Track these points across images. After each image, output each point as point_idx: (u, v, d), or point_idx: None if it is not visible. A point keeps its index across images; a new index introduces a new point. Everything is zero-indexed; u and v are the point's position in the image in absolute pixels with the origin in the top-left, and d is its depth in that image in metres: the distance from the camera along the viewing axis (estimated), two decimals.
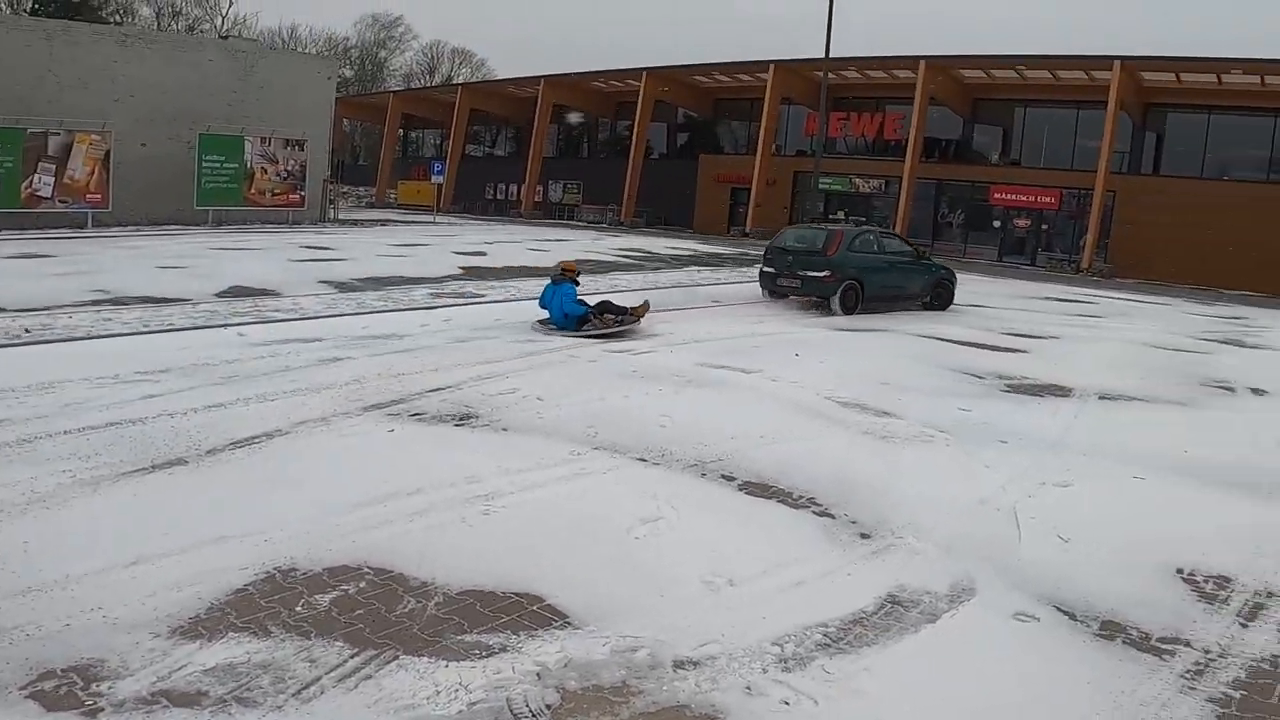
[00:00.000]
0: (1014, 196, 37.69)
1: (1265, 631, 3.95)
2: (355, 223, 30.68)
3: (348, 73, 64.09)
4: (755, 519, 5.00)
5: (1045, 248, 37.06)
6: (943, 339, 12.00)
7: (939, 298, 16.14)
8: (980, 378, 9.45)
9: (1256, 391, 10.01)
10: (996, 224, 38.56)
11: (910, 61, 37.33)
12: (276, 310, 11.56)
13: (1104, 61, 33.58)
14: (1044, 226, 37.55)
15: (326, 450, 5.70)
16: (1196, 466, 6.42)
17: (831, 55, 26.33)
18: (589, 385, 7.72)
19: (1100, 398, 8.85)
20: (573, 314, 10.87)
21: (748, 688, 3.28)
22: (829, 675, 3.39)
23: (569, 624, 3.70)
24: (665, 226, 43.53)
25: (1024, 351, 11.52)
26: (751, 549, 4.52)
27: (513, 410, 6.86)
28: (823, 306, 14.48)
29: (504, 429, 6.41)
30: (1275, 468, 6.59)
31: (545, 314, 11.13)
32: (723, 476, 5.65)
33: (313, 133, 28.52)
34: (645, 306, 11.68)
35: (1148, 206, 33.49)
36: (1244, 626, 3.99)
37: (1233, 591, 4.36)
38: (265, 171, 27.22)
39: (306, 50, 61.94)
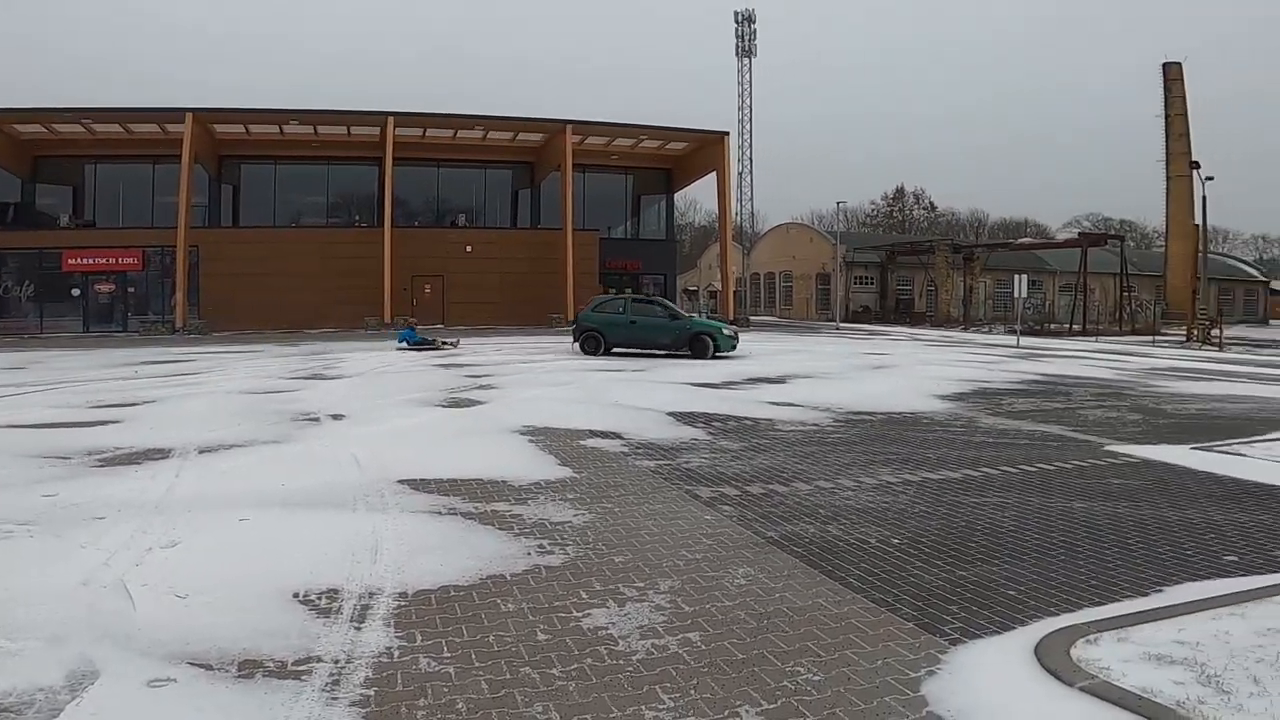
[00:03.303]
0: (92, 261, 35.25)
1: (376, 629, 4.37)
2: None
3: None
4: None
5: (137, 311, 35.60)
6: (12, 425, 10.55)
7: (697, 348, 21.26)
8: (67, 458, 8.52)
9: (336, 418, 11.36)
10: (76, 292, 35.47)
11: None
12: None
13: (177, 115, 33.80)
14: (130, 289, 35.98)
15: None
16: (294, 496, 6.95)
17: None
18: None
19: (201, 452, 8.87)
20: (415, 340, 24.14)
21: None
22: None
23: None
24: None
25: (117, 422, 10.93)
26: None
27: None
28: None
29: None
30: (353, 482, 7.47)
31: (404, 344, 24.07)
32: None
33: None
34: (458, 342, 25.38)
35: (232, 258, 35.05)
36: (359, 629, 4.35)
37: (343, 600, 4.73)
38: None
39: None
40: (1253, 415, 12.62)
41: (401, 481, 7.48)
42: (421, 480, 7.56)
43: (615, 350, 22.07)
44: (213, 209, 38.36)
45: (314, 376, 16.56)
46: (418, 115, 36.96)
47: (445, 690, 3.74)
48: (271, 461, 8.43)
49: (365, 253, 35.67)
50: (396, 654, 4.09)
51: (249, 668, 3.90)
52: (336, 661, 3.99)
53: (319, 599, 4.75)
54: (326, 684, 3.77)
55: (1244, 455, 9.15)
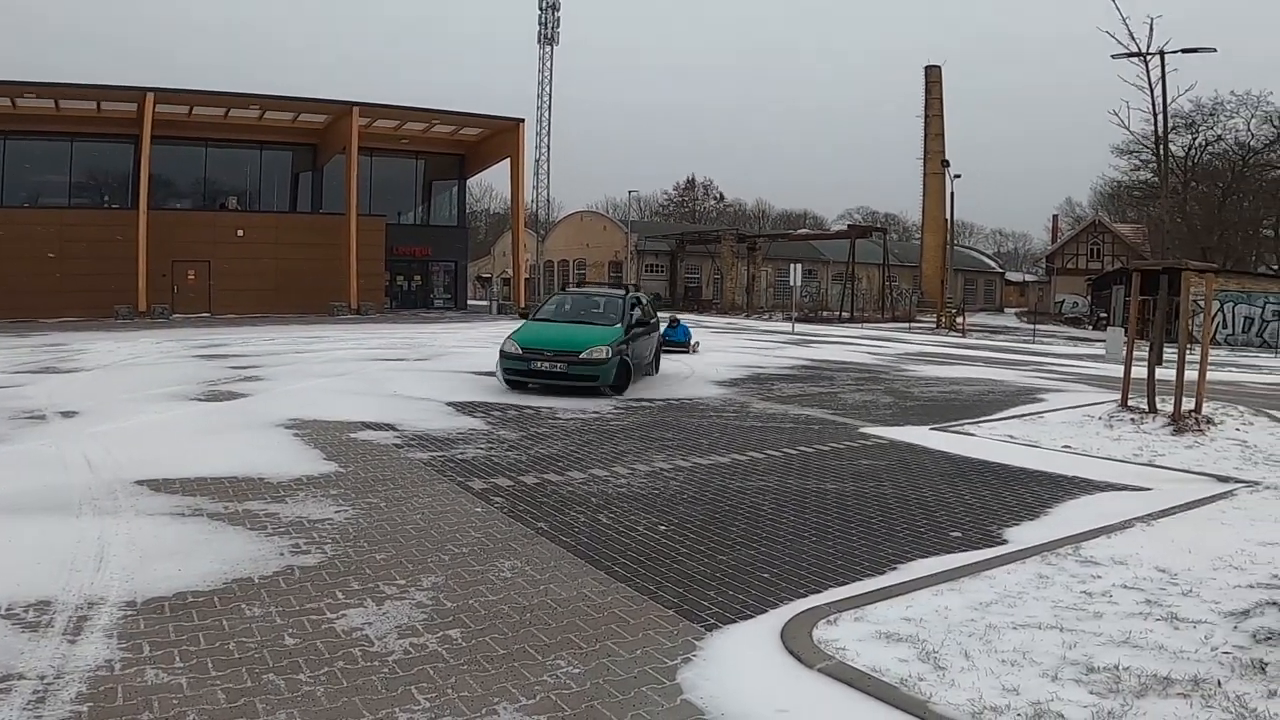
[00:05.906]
0: None
1: (95, 641, 3.98)
2: None
3: None
4: None
5: None
6: None
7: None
8: None
9: (67, 415, 10.21)
10: None
11: None
12: None
13: None
14: None
15: None
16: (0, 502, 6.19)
17: None
18: None
19: None
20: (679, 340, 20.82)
21: None
22: None
23: None
24: None
25: None
26: None
27: None
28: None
29: None
30: (81, 484, 6.76)
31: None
32: None
33: None
34: (698, 345, 21.47)
35: None
36: (73, 642, 3.95)
37: (56, 613, 4.27)
38: None
39: None
40: (984, 396, 14.04)
41: (140, 482, 6.85)
42: (164, 480, 6.95)
43: None
44: None
45: (45, 370, 14.80)
46: (183, 92, 33.99)
47: (174, 702, 3.45)
48: None
49: (117, 235, 32.46)
50: (118, 667, 3.74)
51: None
52: (43, 678, 3.60)
53: (25, 612, 4.26)
54: (28, 703, 3.39)
55: (972, 435, 10.15)
